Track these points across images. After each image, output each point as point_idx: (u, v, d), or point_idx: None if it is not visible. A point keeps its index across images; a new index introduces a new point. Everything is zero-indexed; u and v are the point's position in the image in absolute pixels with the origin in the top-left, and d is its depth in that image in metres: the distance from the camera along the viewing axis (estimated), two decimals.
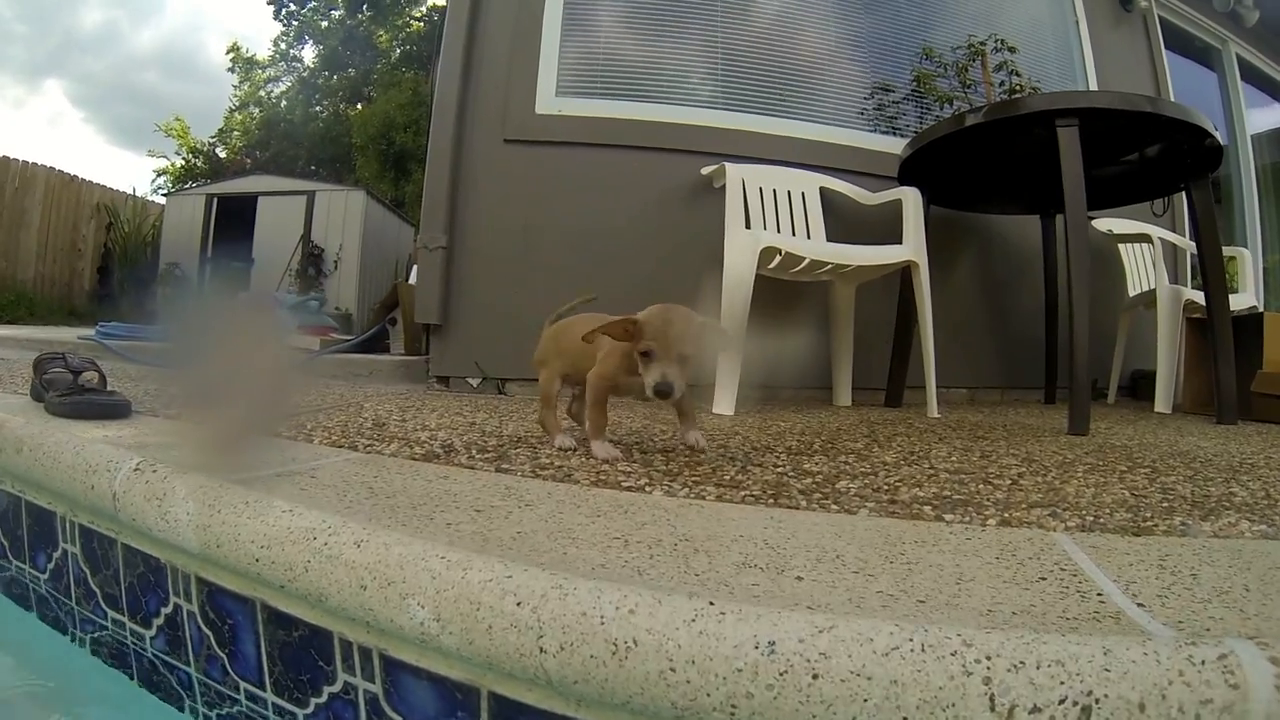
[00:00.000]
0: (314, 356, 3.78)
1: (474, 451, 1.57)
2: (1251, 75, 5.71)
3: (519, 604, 0.68)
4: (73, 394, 1.66)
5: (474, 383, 3.28)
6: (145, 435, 1.45)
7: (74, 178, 10.75)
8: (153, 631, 1.08)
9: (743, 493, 1.26)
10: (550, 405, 1.75)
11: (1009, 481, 1.44)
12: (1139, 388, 4.33)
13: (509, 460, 1.49)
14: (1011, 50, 4.07)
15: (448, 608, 0.71)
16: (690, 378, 1.49)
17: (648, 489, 1.28)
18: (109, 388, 1.81)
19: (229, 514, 0.94)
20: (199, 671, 1.02)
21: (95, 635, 1.19)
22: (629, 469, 1.46)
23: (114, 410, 1.67)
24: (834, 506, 1.17)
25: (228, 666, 0.98)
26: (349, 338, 5.04)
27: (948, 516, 1.13)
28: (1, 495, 1.39)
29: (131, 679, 1.12)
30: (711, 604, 0.63)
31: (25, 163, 10.03)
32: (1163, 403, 3.42)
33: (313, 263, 10.11)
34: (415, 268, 4.35)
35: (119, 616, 1.13)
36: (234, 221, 10.46)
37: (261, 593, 0.93)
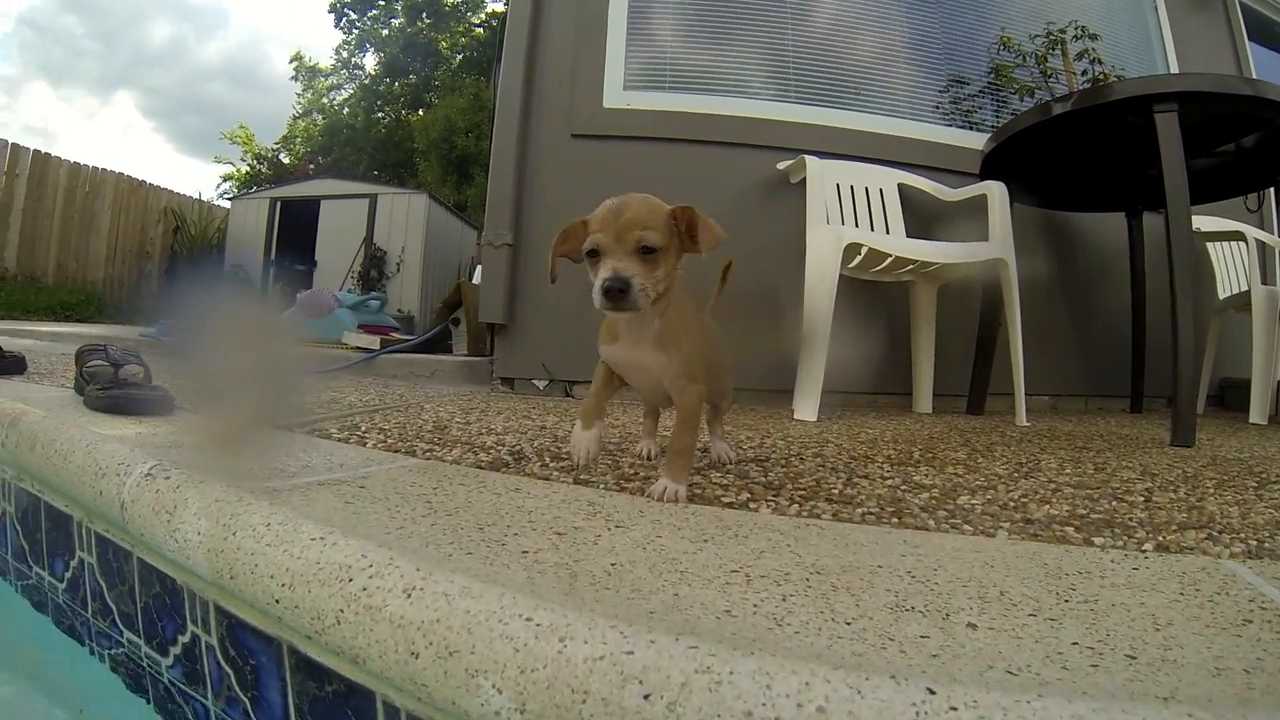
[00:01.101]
0: (373, 356, 3.75)
1: (547, 459, 1.46)
2: None
3: (648, 696, 0.50)
4: (112, 388, 1.59)
5: (540, 385, 3.21)
6: (182, 434, 1.33)
7: (142, 183, 11.04)
8: (169, 660, 0.96)
9: (859, 510, 1.14)
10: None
11: (1141, 498, 1.32)
12: (1227, 397, 4.09)
13: (587, 469, 1.38)
14: (1093, 38, 3.86)
15: (539, 696, 0.53)
16: (667, 298, 1.17)
17: (751, 505, 1.16)
18: (154, 383, 1.73)
19: (246, 538, 0.79)
20: (218, 712, 0.89)
21: (112, 653, 1.08)
22: (724, 480, 1.34)
23: (154, 406, 1.58)
24: (966, 527, 1.06)
25: (250, 713, 0.84)
26: (410, 338, 5.03)
27: (1097, 540, 1.01)
28: (21, 495, 1.30)
29: (148, 703, 1.01)
30: (933, 692, 0.48)
31: (95, 169, 10.33)
32: (1258, 413, 3.22)
33: (375, 265, 10.20)
34: (479, 268, 4.31)
35: (135, 638, 1.02)
36: (297, 224, 10.62)
37: (288, 635, 0.78)
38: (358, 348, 4.55)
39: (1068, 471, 1.59)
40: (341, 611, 0.67)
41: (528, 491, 1.16)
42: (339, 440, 1.55)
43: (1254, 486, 1.50)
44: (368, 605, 0.65)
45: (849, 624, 0.66)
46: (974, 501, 1.23)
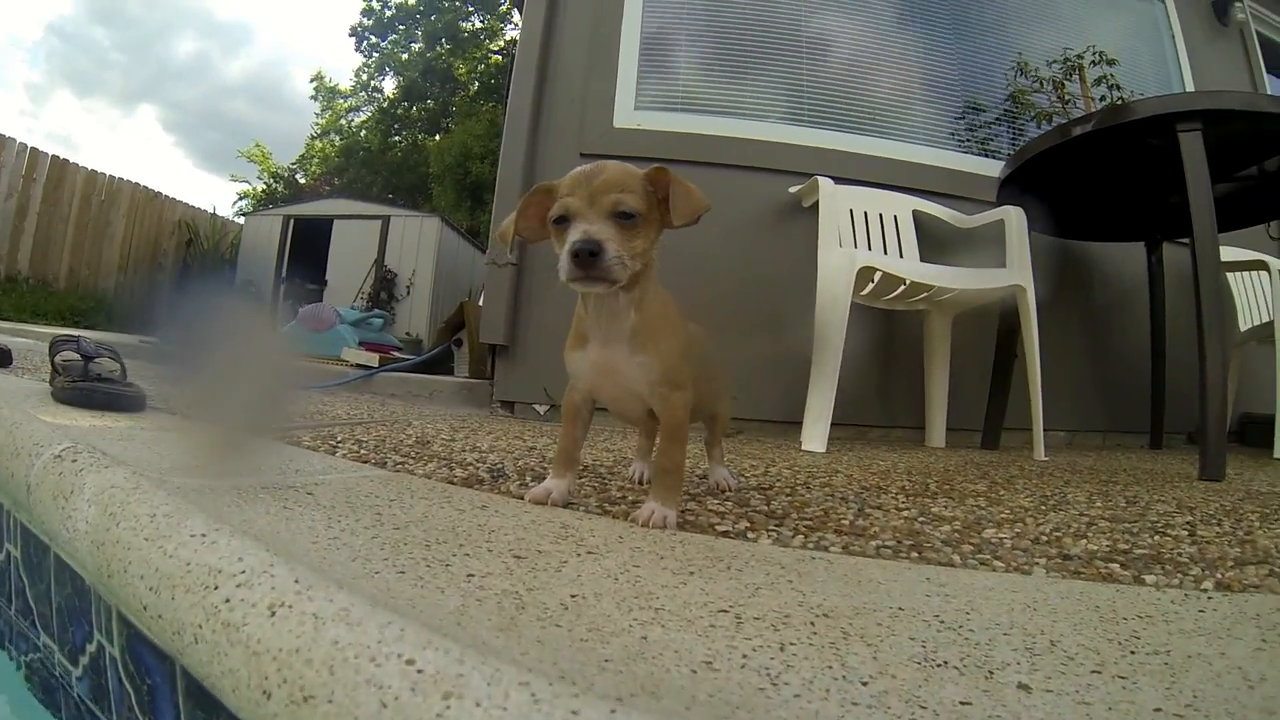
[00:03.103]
0: (371, 374, 3.65)
1: (528, 478, 1.34)
2: None
3: None
4: (81, 381, 1.53)
5: (540, 410, 3.10)
6: (140, 429, 1.26)
7: (157, 194, 11.07)
8: (79, 670, 0.83)
9: (874, 542, 1.02)
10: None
11: (1185, 532, 1.21)
12: (1248, 433, 3.94)
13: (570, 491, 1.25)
14: (1110, 63, 3.78)
15: None
16: (644, 283, 1.04)
17: (750, 535, 1.03)
18: (128, 379, 1.66)
19: (126, 530, 0.67)
20: None
21: (28, 659, 0.95)
22: (721, 508, 1.21)
23: (124, 402, 1.52)
24: (997, 563, 0.94)
25: None
26: (410, 356, 4.94)
27: (1148, 577, 0.90)
28: None
29: None
30: None
31: (112, 177, 10.37)
32: None
33: (385, 287, 10.17)
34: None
35: (50, 643, 0.90)
36: (309, 243, 10.62)
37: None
38: (357, 365, 4.47)
39: (1098, 504, 1.48)
40: (200, 627, 0.53)
41: (495, 509, 1.04)
42: (308, 449, 1.45)
43: None
44: (226, 621, 0.52)
45: (865, 684, 0.53)
46: (1001, 535, 1.11)
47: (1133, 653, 0.63)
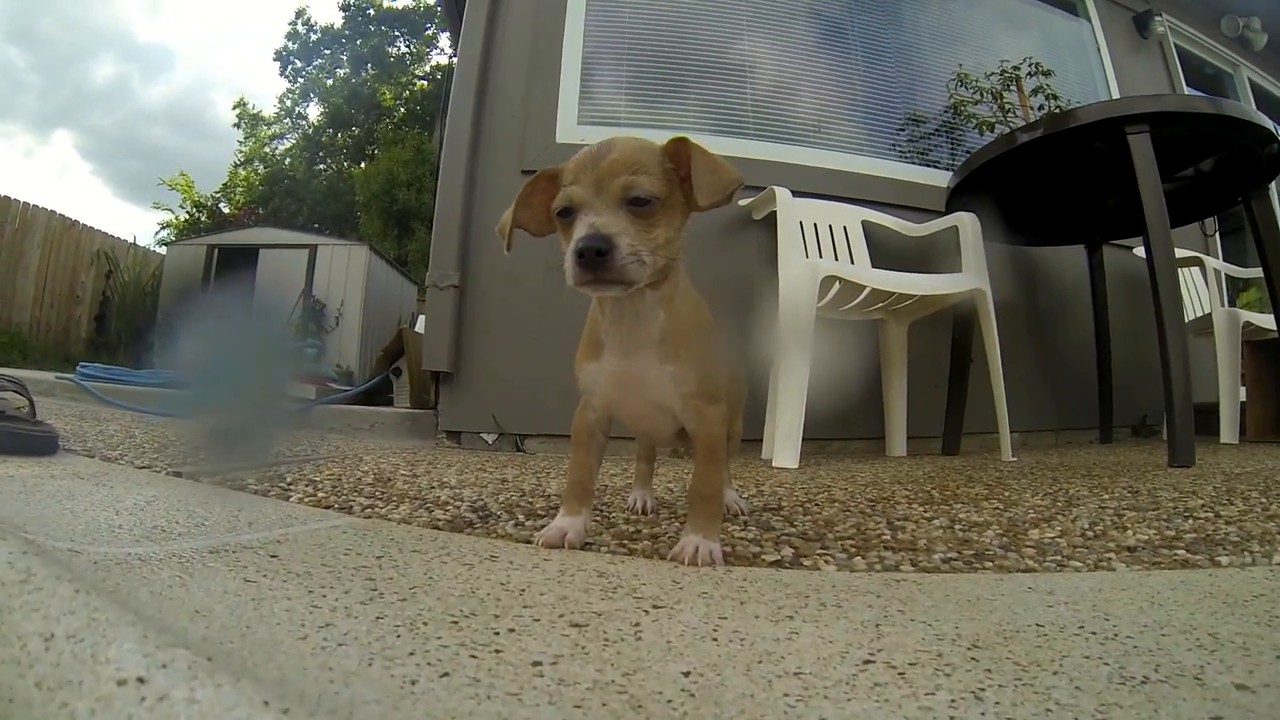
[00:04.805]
0: (309, 406, 3.47)
1: (520, 516, 1.19)
2: (1264, 100, 5.53)
3: None
4: None
5: (489, 439, 2.96)
6: (50, 477, 1.09)
7: (75, 223, 10.43)
8: None
9: (935, 555, 0.95)
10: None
11: (1210, 514, 1.23)
12: None
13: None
14: (1046, 74, 3.87)
15: None
16: (672, 279, 0.91)
17: (804, 562, 0.93)
18: (37, 418, 1.49)
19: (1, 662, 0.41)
20: None
21: None
22: (748, 534, 1.11)
23: (31, 444, 1.36)
24: (1074, 563, 0.90)
25: None
26: (347, 388, 4.76)
27: (1221, 559, 0.90)
28: None
29: None
30: None
31: (26, 204, 9.70)
32: (1229, 433, 3.21)
33: (314, 317, 9.86)
34: (420, 318, 4.09)
35: None
36: (235, 273, 10.25)
37: None
38: (293, 397, 4.26)
39: (1106, 497, 1.47)
40: None
41: (509, 560, 0.87)
42: (255, 493, 1.28)
43: None
44: None
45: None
46: (1049, 535, 1.07)
47: None
